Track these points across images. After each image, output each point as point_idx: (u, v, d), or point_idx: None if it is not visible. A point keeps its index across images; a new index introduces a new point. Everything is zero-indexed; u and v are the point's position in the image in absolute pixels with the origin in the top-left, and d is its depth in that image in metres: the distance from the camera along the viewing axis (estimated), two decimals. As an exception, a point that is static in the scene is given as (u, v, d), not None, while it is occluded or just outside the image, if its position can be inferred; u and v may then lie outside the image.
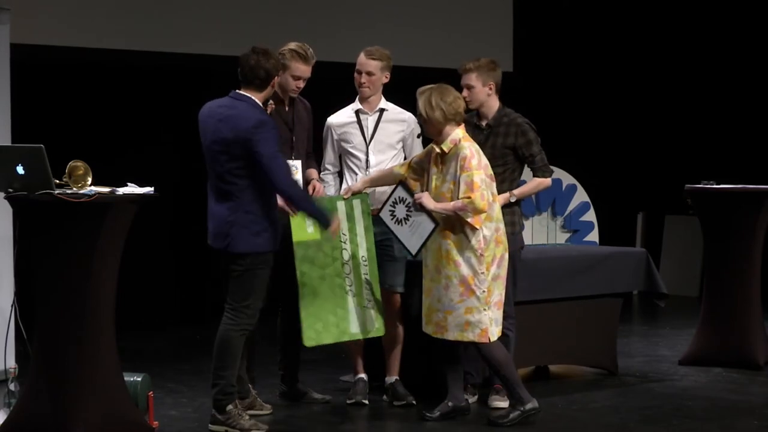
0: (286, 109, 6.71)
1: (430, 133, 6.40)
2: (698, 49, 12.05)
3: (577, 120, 12.16)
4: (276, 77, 6.19)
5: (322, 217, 6.17)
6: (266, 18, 10.11)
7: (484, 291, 6.26)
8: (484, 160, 6.31)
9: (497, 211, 6.33)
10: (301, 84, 6.64)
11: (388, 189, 6.63)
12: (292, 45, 6.64)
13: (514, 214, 6.74)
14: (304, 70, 6.62)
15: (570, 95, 12.19)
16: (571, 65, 12.21)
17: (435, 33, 11.13)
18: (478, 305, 6.27)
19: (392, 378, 6.87)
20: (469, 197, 6.20)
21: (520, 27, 11.85)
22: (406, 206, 6.45)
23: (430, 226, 6.32)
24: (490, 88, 6.75)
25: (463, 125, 6.42)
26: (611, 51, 12.27)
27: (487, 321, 6.27)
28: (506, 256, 6.36)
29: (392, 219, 6.50)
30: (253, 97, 6.14)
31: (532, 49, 11.97)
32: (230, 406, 6.12)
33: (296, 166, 6.64)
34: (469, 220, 6.23)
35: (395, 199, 6.52)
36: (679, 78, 12.19)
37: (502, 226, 6.35)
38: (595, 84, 12.22)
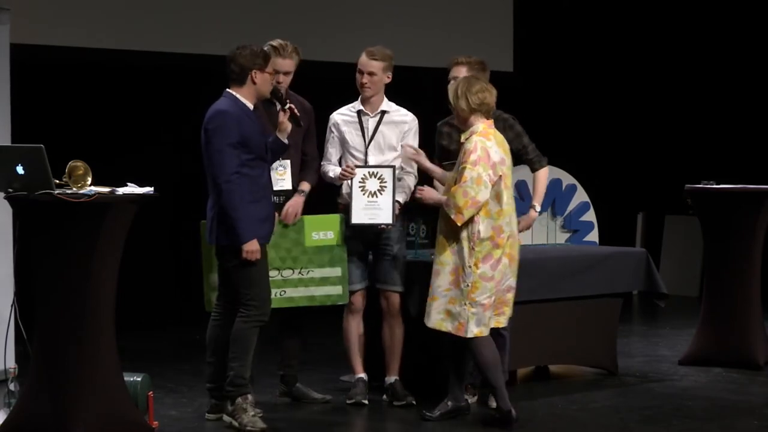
0: (277, 108, 6.69)
1: (459, 123, 6.43)
2: (698, 49, 12.05)
3: (577, 120, 12.17)
4: (255, 71, 6.15)
5: (238, 236, 6.03)
6: (266, 18, 10.11)
7: (468, 285, 6.25)
8: (496, 158, 6.25)
9: (504, 213, 6.27)
10: (281, 78, 6.56)
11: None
12: (273, 42, 6.62)
13: None
14: (282, 63, 6.56)
15: (570, 95, 12.19)
16: (571, 65, 12.21)
17: (435, 33, 11.13)
18: (460, 298, 6.28)
19: (392, 378, 6.86)
20: (452, 191, 6.25)
21: (520, 27, 11.85)
22: (380, 186, 6.63)
23: (384, 221, 6.61)
24: None
25: (491, 120, 6.38)
26: (611, 51, 12.27)
27: (466, 316, 6.26)
28: (504, 260, 6.31)
29: (360, 183, 6.64)
30: (235, 94, 6.17)
31: (532, 49, 11.97)
32: (239, 399, 6.15)
33: (284, 166, 6.64)
34: (452, 216, 6.26)
35: (377, 173, 6.67)
36: (678, 78, 12.18)
37: (508, 229, 6.29)
38: (595, 84, 12.22)
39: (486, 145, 6.25)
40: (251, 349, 6.21)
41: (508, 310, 6.43)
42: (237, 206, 6.04)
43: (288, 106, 6.39)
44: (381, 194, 6.68)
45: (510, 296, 6.41)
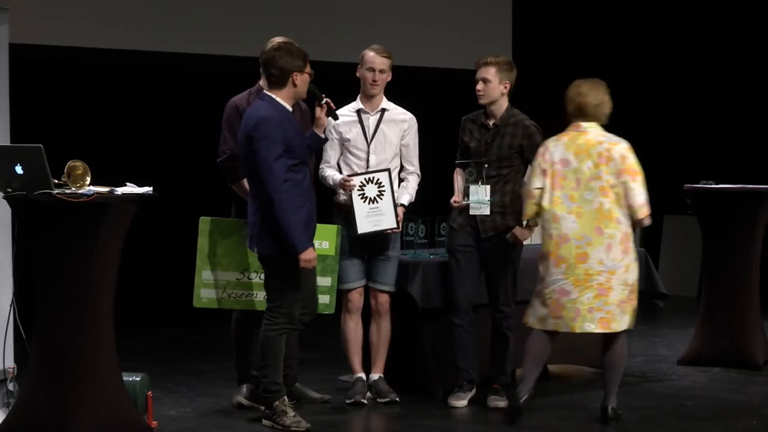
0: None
1: None
2: (698, 49, 12.05)
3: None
4: (296, 73, 6.13)
5: (294, 246, 6.03)
6: (266, 18, 10.11)
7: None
8: (552, 156, 6.34)
9: (544, 210, 6.33)
10: None
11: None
12: (279, 38, 6.60)
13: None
14: None
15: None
16: (569, 65, 12.20)
17: (434, 33, 11.13)
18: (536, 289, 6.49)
19: (376, 375, 6.89)
20: None
21: (519, 26, 11.85)
22: (378, 192, 6.65)
23: (389, 225, 6.65)
24: (505, 87, 6.74)
25: (580, 125, 6.42)
26: (610, 51, 12.26)
27: (530, 304, 6.44)
28: (551, 260, 6.30)
29: (359, 191, 6.66)
30: (273, 96, 6.15)
31: (531, 49, 11.97)
32: (276, 402, 6.19)
33: None
34: None
35: (374, 178, 6.69)
36: (678, 78, 12.18)
37: (548, 225, 6.33)
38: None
39: (548, 144, 6.40)
40: (281, 355, 6.25)
41: (566, 315, 6.29)
42: (290, 216, 6.02)
43: (324, 101, 6.37)
44: (381, 199, 6.68)
45: (565, 300, 6.27)
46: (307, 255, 6.06)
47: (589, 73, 12.68)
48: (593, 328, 6.32)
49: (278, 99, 6.14)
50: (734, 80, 11.90)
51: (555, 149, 6.33)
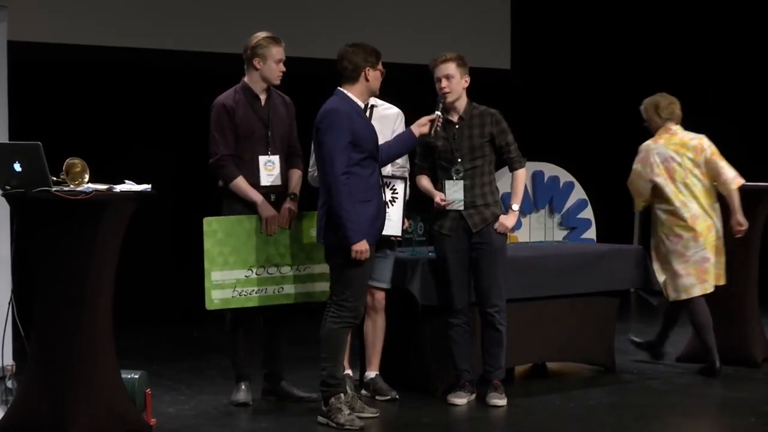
0: (262, 103, 6.67)
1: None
2: (696, 46, 12.05)
3: (575, 117, 12.17)
4: (368, 68, 6.21)
5: (347, 237, 6.03)
6: (268, 16, 10.11)
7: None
8: (657, 159, 7.67)
9: (669, 200, 7.59)
10: (283, 68, 6.63)
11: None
12: (263, 33, 6.64)
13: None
14: (282, 51, 6.63)
15: (568, 92, 12.19)
16: (568, 62, 12.22)
17: (433, 31, 11.13)
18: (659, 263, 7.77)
19: (372, 373, 6.89)
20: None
21: (518, 24, 11.85)
22: (392, 197, 6.67)
23: (393, 232, 6.66)
24: (466, 81, 6.77)
25: (670, 127, 7.80)
26: (609, 48, 12.27)
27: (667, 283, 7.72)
28: (686, 235, 7.56)
29: None
30: (346, 92, 6.22)
31: (530, 47, 11.98)
32: (333, 399, 6.18)
33: (273, 161, 6.64)
34: None
35: (390, 183, 6.70)
36: (676, 75, 12.18)
37: (678, 212, 7.56)
38: (592, 81, 12.22)
39: (647, 148, 7.72)
40: (343, 350, 6.25)
41: (710, 278, 7.60)
42: (346, 206, 6.03)
43: (437, 117, 6.48)
44: (392, 205, 6.71)
45: (707, 266, 7.58)
46: (360, 246, 6.05)
47: (587, 69, 12.72)
48: (724, 281, 7.68)
49: (350, 95, 6.22)
50: (732, 79, 11.90)
51: (657, 150, 7.66)
